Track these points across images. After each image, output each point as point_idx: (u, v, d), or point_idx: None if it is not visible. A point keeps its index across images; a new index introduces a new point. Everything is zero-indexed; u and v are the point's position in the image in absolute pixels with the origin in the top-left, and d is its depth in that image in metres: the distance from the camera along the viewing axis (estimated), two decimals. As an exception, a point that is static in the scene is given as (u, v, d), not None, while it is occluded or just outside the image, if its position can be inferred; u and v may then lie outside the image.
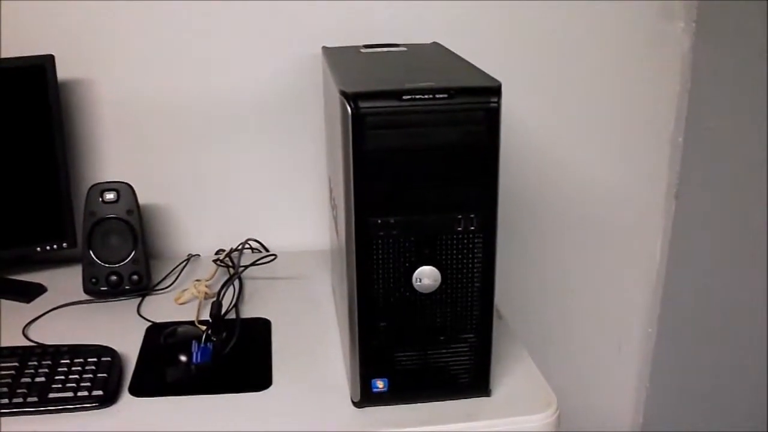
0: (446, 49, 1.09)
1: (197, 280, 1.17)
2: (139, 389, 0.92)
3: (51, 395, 0.88)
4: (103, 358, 0.94)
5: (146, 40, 1.22)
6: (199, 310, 1.10)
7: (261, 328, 1.07)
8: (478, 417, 0.87)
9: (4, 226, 1.18)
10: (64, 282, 1.19)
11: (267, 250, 1.32)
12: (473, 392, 0.88)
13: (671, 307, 1.48)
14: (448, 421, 0.86)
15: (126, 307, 1.14)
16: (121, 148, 1.28)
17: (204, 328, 1.01)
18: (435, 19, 1.25)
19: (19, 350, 0.96)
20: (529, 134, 1.34)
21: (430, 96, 0.76)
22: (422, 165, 0.79)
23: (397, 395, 0.87)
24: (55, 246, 1.21)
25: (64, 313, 1.11)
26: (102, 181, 1.16)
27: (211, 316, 1.05)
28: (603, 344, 1.52)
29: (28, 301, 1.15)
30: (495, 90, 0.77)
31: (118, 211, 1.14)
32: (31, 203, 1.19)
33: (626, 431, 1.60)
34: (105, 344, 0.97)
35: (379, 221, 0.79)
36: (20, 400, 0.87)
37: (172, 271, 1.24)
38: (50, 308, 1.12)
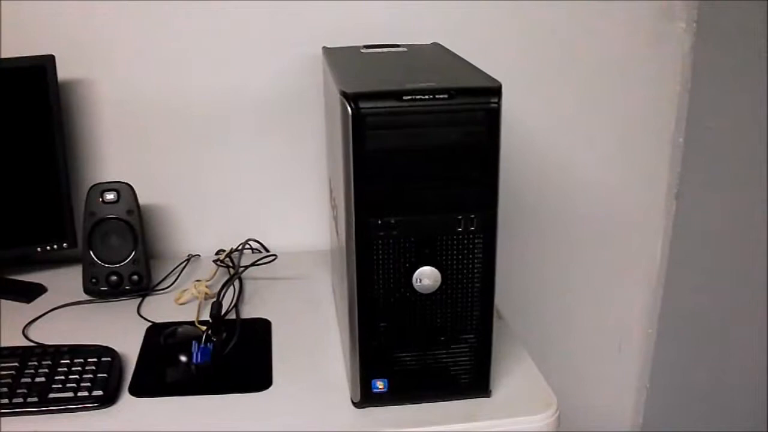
0: (446, 49, 1.09)
1: (197, 281, 1.17)
2: (139, 389, 0.92)
3: (51, 395, 0.88)
4: (103, 359, 0.94)
5: (146, 40, 1.22)
6: (199, 310, 1.10)
7: (261, 329, 1.07)
8: (478, 417, 0.87)
9: (4, 226, 1.18)
10: (65, 282, 1.19)
11: (267, 251, 1.32)
12: (473, 393, 0.88)
13: (671, 307, 1.48)
14: (449, 421, 0.86)
15: (126, 307, 1.14)
16: (122, 149, 1.28)
17: (204, 328, 1.01)
18: (435, 19, 1.25)
19: (19, 350, 0.96)
20: (530, 134, 1.34)
21: (431, 96, 0.76)
22: (422, 165, 0.79)
23: (397, 395, 0.87)
24: (55, 246, 1.21)
25: (65, 314, 1.11)
26: (102, 182, 1.16)
27: (211, 316, 1.05)
28: (603, 344, 1.52)
29: (29, 301, 1.15)
30: (495, 90, 0.77)
31: (119, 211, 1.14)
32: (32, 203, 1.19)
33: (626, 431, 1.60)
34: (105, 344, 0.97)
35: (380, 221, 0.79)
36: (20, 400, 0.87)
37: (172, 271, 1.24)
38: (50, 308, 1.12)
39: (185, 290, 1.16)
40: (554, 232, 1.42)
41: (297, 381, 0.94)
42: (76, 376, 0.91)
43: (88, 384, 0.90)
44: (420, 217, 0.80)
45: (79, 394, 0.88)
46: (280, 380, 0.94)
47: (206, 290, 1.14)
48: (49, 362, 0.93)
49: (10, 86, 1.14)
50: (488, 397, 0.89)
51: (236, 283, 1.17)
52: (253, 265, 1.20)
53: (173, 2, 1.20)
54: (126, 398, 0.91)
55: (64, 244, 1.21)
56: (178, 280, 1.22)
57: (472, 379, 0.87)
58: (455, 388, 0.87)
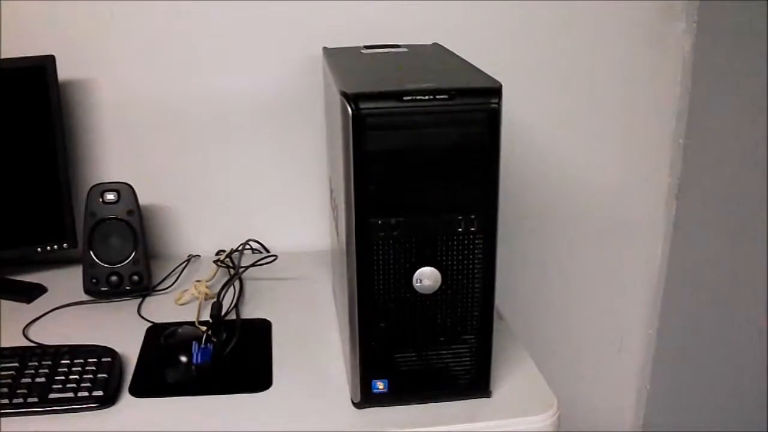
0: (447, 49, 1.09)
1: (198, 281, 1.17)
2: (140, 390, 0.92)
3: (51, 396, 0.88)
4: (103, 359, 0.94)
5: (147, 41, 1.22)
6: (199, 310, 1.10)
7: (261, 329, 1.07)
8: (478, 418, 0.87)
9: (4, 226, 1.18)
10: (65, 282, 1.19)
11: (267, 251, 1.32)
12: (474, 393, 0.88)
13: (671, 307, 1.48)
14: (449, 422, 0.86)
15: (126, 307, 1.14)
16: (122, 149, 1.28)
17: (204, 328, 1.01)
18: (436, 19, 1.25)
19: (19, 350, 0.96)
20: (530, 135, 1.34)
21: (431, 97, 0.76)
22: (423, 166, 0.79)
23: (397, 396, 0.87)
24: (55, 246, 1.21)
25: (65, 314, 1.11)
26: (102, 182, 1.16)
27: (211, 316, 1.05)
28: (603, 344, 1.52)
29: (29, 302, 1.15)
30: (495, 91, 0.77)
31: (119, 211, 1.14)
32: (32, 204, 1.19)
33: (626, 431, 1.60)
34: (105, 345, 0.98)
35: (380, 222, 0.79)
36: (20, 400, 0.87)
37: (172, 271, 1.24)
38: (51, 309, 1.12)
39: (185, 291, 1.16)
40: (554, 233, 1.42)
41: (297, 381, 0.94)
42: (77, 377, 0.91)
43: (89, 384, 0.90)
44: (420, 217, 0.80)
45: (80, 394, 0.88)
46: (281, 381, 0.94)
47: (206, 291, 1.14)
48: (50, 362, 0.93)
49: (10, 86, 1.14)
50: (488, 397, 0.89)
51: (236, 283, 1.17)
52: (253, 265, 1.20)
53: (173, 3, 1.20)
54: (126, 399, 0.91)
55: (65, 245, 1.21)
56: (178, 281, 1.22)
57: (472, 380, 0.87)
58: (455, 388, 0.87)
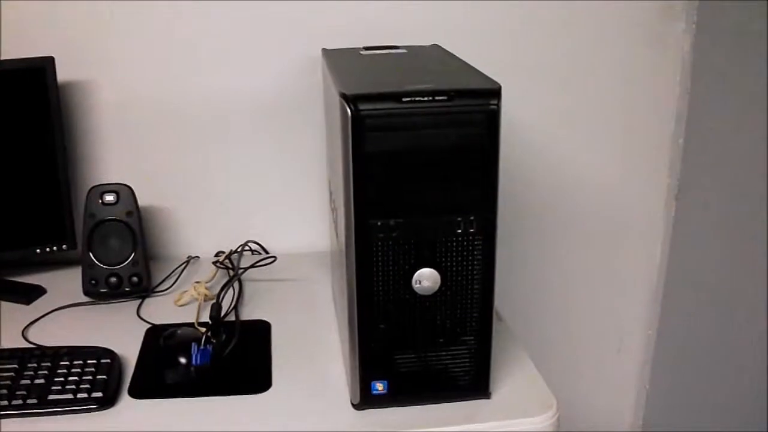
0: (446, 51, 1.09)
1: (197, 282, 1.16)
2: (139, 391, 0.92)
3: (50, 397, 0.88)
4: (102, 360, 0.94)
5: (146, 42, 1.22)
6: (198, 311, 1.10)
7: (260, 330, 1.07)
8: (477, 419, 0.87)
9: (4, 227, 1.18)
10: (64, 284, 1.19)
11: (267, 252, 1.32)
12: (473, 394, 0.88)
13: (671, 307, 1.48)
14: (448, 423, 0.86)
15: (125, 308, 1.14)
16: (121, 150, 1.27)
17: (203, 330, 1.01)
18: (435, 20, 1.24)
19: (18, 352, 0.96)
20: (529, 136, 1.34)
21: (430, 98, 0.76)
22: (422, 167, 0.79)
23: (396, 397, 0.87)
24: (54, 248, 1.21)
25: (64, 315, 1.11)
26: (102, 183, 1.16)
27: (210, 318, 1.05)
28: (603, 345, 1.52)
29: (28, 303, 1.15)
30: (495, 92, 0.77)
31: (118, 212, 1.14)
32: (31, 205, 1.19)
33: (626, 431, 1.60)
34: (104, 346, 0.97)
35: (379, 223, 0.79)
36: (20, 401, 0.87)
37: (171, 272, 1.24)
38: (50, 310, 1.12)
39: (185, 292, 1.16)
40: (554, 233, 1.42)
41: (296, 383, 0.94)
42: (76, 378, 0.90)
43: (88, 385, 0.90)
44: (420, 218, 0.80)
45: (79, 395, 0.88)
46: (280, 382, 0.94)
47: (206, 292, 1.14)
48: (49, 364, 0.92)
49: (9, 88, 1.13)
50: (488, 398, 0.89)
51: (236, 284, 1.17)
52: (252, 266, 1.20)
53: (173, 3, 1.20)
54: (125, 400, 0.91)
55: (64, 246, 1.21)
56: (177, 282, 1.22)
57: (471, 381, 0.87)
58: (455, 389, 0.87)
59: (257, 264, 1.20)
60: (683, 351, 1.51)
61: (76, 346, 0.97)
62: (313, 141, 1.26)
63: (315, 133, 1.24)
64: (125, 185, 1.15)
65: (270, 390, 0.93)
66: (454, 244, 0.81)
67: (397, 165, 0.78)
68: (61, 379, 0.90)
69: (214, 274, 1.21)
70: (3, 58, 1.16)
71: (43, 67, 1.13)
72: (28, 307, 1.14)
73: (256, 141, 1.29)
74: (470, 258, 0.82)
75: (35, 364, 0.92)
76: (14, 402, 0.87)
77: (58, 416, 0.87)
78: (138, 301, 1.15)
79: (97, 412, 0.88)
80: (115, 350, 0.97)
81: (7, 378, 0.90)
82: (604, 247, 1.44)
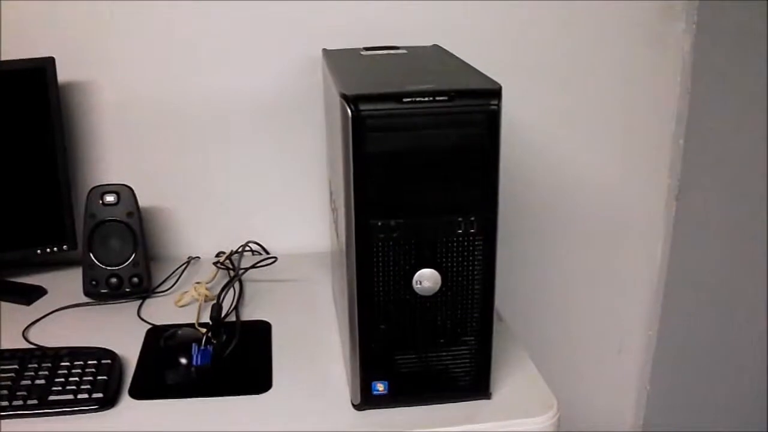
0: (446, 51, 1.09)
1: (197, 283, 1.16)
2: (139, 392, 0.92)
3: (51, 398, 0.88)
4: (103, 361, 0.94)
5: (146, 42, 1.22)
6: (199, 312, 1.10)
7: (261, 331, 1.07)
8: (478, 419, 0.87)
9: (4, 228, 1.17)
10: (65, 284, 1.19)
11: (267, 253, 1.32)
12: (473, 395, 0.88)
13: (671, 307, 1.48)
14: (449, 423, 0.86)
15: (126, 309, 1.14)
16: (122, 150, 1.27)
17: (204, 330, 1.01)
18: (435, 20, 1.24)
19: (19, 353, 0.96)
20: (529, 136, 1.34)
21: (431, 98, 0.76)
22: (422, 167, 0.79)
23: (397, 398, 0.87)
24: (55, 248, 1.20)
25: (64, 316, 1.11)
26: (102, 184, 1.16)
27: (211, 318, 1.05)
28: (603, 345, 1.52)
29: (29, 304, 1.15)
30: (495, 92, 0.77)
31: (119, 213, 1.14)
32: (32, 205, 1.19)
33: (626, 432, 1.60)
34: (105, 347, 0.97)
35: (380, 224, 0.79)
36: (20, 402, 0.87)
37: (172, 273, 1.23)
38: (50, 310, 1.12)
39: (185, 292, 1.16)
40: (554, 233, 1.42)
41: (297, 383, 0.94)
42: (76, 379, 0.90)
43: (88, 386, 0.90)
44: (420, 219, 0.80)
45: (79, 396, 0.88)
46: (280, 382, 0.94)
47: (206, 292, 1.14)
48: (49, 364, 0.92)
49: (10, 88, 1.13)
50: (488, 399, 0.89)
51: (236, 285, 1.17)
52: (253, 267, 1.20)
53: (173, 3, 1.20)
54: (126, 400, 0.91)
55: (64, 247, 1.21)
56: (178, 283, 1.22)
57: (472, 381, 0.87)
58: (455, 390, 0.87)
59: (258, 264, 1.20)
60: (683, 351, 1.51)
61: (76, 346, 0.97)
62: (313, 141, 1.26)
63: (315, 133, 1.24)
64: (126, 186, 1.15)
65: (270, 390, 0.93)
66: (455, 244, 0.81)
67: (398, 165, 0.78)
68: (62, 379, 0.90)
69: (215, 275, 1.21)
70: (3, 58, 1.16)
71: (44, 67, 1.13)
72: (28, 307, 1.14)
73: (257, 141, 1.29)
74: (471, 258, 0.82)
75: (36, 365, 0.92)
76: (15, 402, 0.87)
77: (59, 417, 0.87)
78: (138, 302, 1.15)
79: (97, 413, 0.88)
80: (116, 351, 0.97)
81: (7, 379, 0.90)
82: (605, 248, 1.44)
